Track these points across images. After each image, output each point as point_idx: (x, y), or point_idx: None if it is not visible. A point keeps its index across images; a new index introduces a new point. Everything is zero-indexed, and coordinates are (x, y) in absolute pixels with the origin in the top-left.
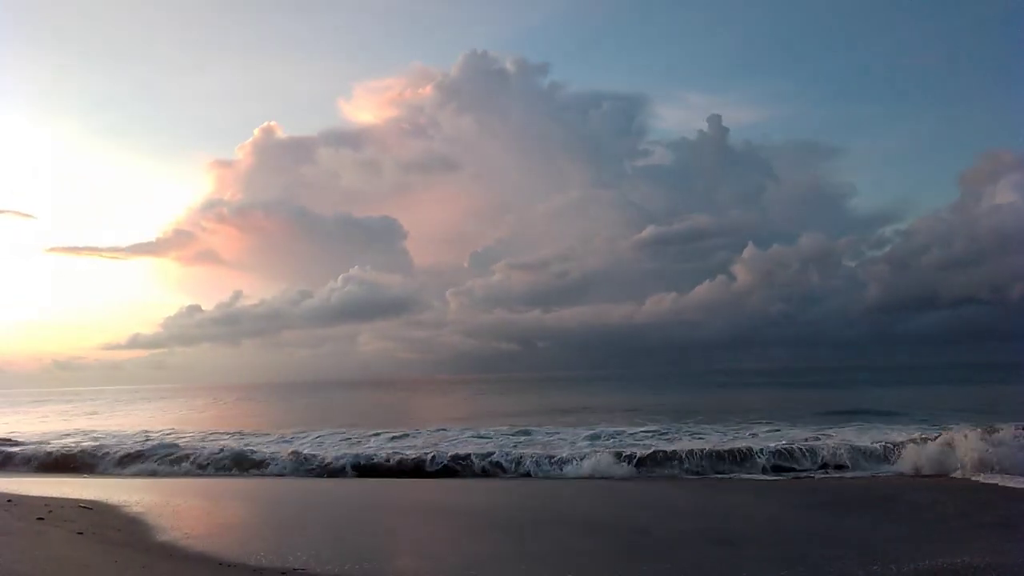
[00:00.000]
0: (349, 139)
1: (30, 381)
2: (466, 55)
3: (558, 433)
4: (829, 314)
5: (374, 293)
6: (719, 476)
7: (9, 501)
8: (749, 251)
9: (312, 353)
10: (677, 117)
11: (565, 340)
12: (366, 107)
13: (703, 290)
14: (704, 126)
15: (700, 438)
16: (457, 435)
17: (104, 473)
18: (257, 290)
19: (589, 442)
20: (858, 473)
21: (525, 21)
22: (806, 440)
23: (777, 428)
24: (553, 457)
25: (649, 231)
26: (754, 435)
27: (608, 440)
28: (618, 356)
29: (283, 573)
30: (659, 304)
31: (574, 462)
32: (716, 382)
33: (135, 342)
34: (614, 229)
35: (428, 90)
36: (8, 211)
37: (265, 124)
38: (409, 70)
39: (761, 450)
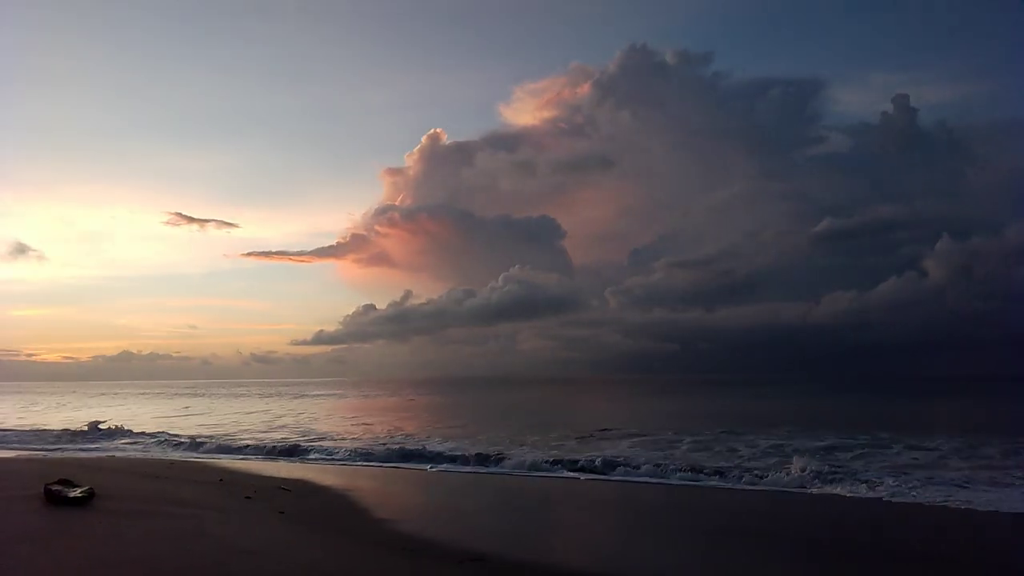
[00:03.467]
0: (508, 142)
1: (232, 373)
2: (624, 50)
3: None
4: None
5: (533, 292)
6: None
7: (221, 480)
8: (943, 244)
9: (475, 350)
10: (856, 100)
11: (729, 341)
12: (525, 109)
13: (888, 288)
14: (888, 107)
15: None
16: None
17: None
18: (425, 289)
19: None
20: None
21: (687, 10)
22: None
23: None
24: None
25: (825, 224)
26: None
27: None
28: (788, 359)
29: (460, 562)
30: (836, 303)
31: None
32: (899, 390)
33: (319, 338)
34: (785, 223)
35: (586, 88)
36: (214, 220)
37: (431, 131)
38: (568, 70)
39: None
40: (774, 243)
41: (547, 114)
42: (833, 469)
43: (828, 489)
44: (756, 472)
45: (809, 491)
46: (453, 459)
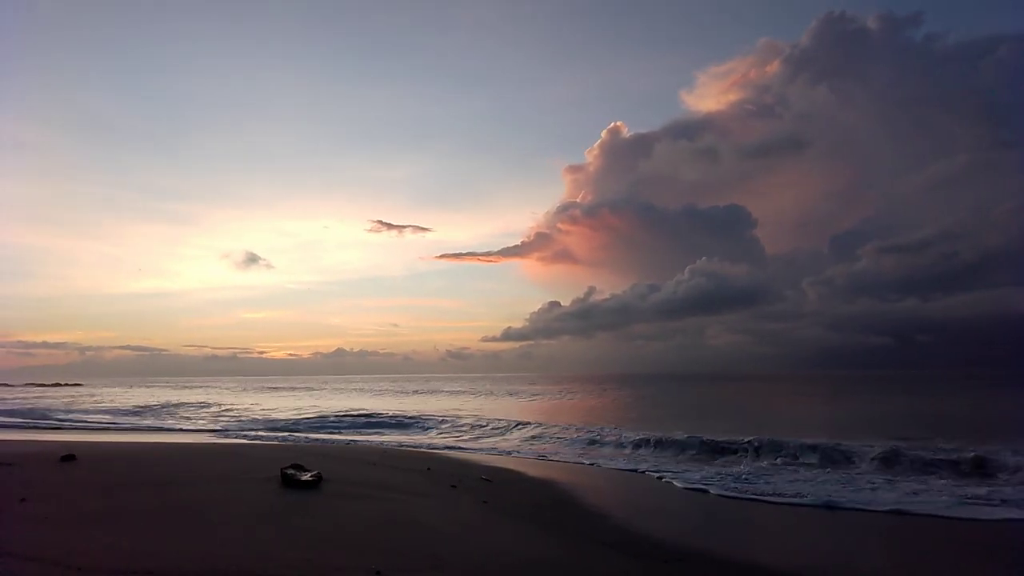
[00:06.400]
0: (692, 130)
1: (430, 368)
2: (819, 20)
3: None
4: None
5: (722, 284)
6: None
7: (428, 469)
8: None
9: (662, 346)
10: None
11: (953, 333)
12: (708, 94)
13: None
14: None
15: None
16: None
17: None
18: (608, 285)
19: None
20: None
21: None
22: None
23: None
24: None
25: None
26: None
27: None
28: None
29: (666, 560)
30: None
31: None
32: None
33: (508, 335)
34: (1022, 196)
35: (775, 66)
36: (410, 226)
37: (611, 125)
38: (755, 48)
39: None
40: (1010, 219)
41: (733, 97)
42: None
43: None
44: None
45: None
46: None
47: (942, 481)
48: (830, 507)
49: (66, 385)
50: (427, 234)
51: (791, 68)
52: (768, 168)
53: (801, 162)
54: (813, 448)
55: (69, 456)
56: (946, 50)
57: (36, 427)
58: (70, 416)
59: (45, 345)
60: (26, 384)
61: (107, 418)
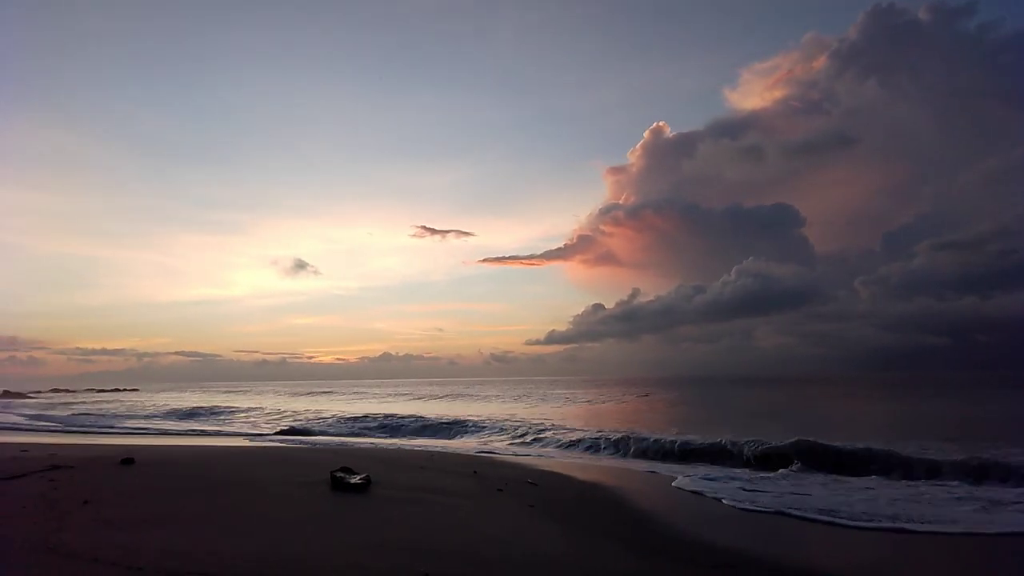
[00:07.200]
0: (736, 128)
1: (474, 372)
2: (867, 13)
3: None
4: None
5: (770, 285)
6: None
7: (475, 472)
8: None
9: (709, 348)
10: None
11: (1014, 332)
12: (752, 92)
13: None
14: None
15: None
16: None
17: None
18: (652, 287)
19: None
20: None
21: None
22: None
23: None
24: None
25: None
26: None
27: None
28: None
29: (715, 565)
30: None
31: None
32: None
33: (551, 338)
34: None
35: (821, 61)
36: (453, 231)
37: (653, 125)
38: (800, 43)
39: None
40: None
41: (778, 94)
42: None
43: None
44: None
45: None
46: None
47: None
48: (899, 530)
49: (124, 390)
50: (470, 239)
51: (838, 63)
52: (816, 165)
53: (851, 159)
54: (873, 456)
55: (128, 459)
56: (1000, 40)
57: (97, 431)
58: (129, 420)
59: (104, 352)
60: (87, 389)
61: (164, 422)
